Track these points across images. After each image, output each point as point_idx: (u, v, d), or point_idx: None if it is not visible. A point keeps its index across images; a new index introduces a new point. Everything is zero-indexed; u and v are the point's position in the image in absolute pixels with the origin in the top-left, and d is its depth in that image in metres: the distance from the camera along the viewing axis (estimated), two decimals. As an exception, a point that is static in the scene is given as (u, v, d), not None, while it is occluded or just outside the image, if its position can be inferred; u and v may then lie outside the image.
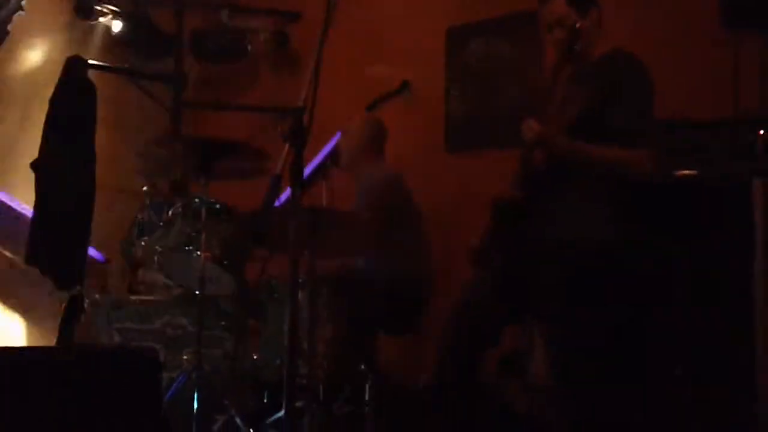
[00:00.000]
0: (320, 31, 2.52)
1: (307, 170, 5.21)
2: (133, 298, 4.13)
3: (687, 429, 3.23)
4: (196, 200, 3.76)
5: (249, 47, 5.42)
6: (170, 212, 3.90)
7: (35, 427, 1.95)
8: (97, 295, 3.97)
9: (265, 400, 3.87)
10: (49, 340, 4.27)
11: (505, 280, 3.06)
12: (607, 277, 2.90)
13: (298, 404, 3.65)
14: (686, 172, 3.43)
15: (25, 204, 4.92)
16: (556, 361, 3.07)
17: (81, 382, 2.11)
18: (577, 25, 2.85)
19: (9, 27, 5.06)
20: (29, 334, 4.86)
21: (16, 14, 5.06)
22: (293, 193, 2.20)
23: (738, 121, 3.45)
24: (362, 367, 3.84)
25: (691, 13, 4.07)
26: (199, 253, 3.64)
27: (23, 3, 5.09)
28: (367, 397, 3.89)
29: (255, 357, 3.90)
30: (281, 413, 3.61)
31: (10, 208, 5.04)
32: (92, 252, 4.94)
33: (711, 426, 3.18)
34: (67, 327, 3.95)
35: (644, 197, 3.17)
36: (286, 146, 2.26)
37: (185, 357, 3.84)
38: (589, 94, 2.85)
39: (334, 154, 4.82)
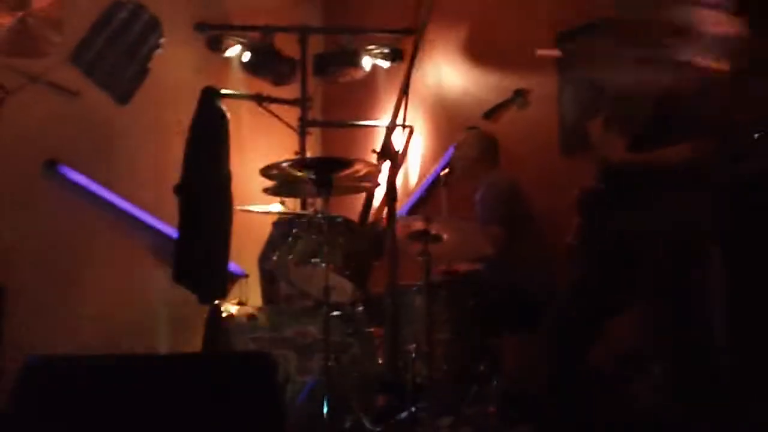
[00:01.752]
0: (411, 50, 2.67)
1: (427, 180, 5.41)
2: (265, 309, 4.42)
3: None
4: (319, 215, 4.01)
5: (367, 66, 5.64)
6: (296, 227, 4.17)
7: (160, 427, 2.21)
8: (234, 308, 4.28)
9: (391, 402, 4.05)
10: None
11: (602, 274, 3.10)
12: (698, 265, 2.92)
13: (422, 405, 3.84)
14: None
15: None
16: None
17: (205, 384, 2.36)
18: None
19: (149, 65, 5.56)
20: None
21: (155, 52, 5.56)
22: (388, 205, 2.37)
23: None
24: (482, 368, 3.96)
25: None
26: (323, 264, 3.88)
27: (161, 41, 5.58)
28: (491, 397, 4.03)
29: (380, 361, 4.10)
30: (405, 413, 3.82)
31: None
32: (233, 267, 5.32)
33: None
34: (210, 337, 4.31)
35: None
36: (381, 163, 2.43)
37: (315, 362, 4.07)
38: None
39: (449, 167, 4.96)
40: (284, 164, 3.90)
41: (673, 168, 2.93)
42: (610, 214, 3.05)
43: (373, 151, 2.46)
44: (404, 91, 2.49)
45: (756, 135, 3.59)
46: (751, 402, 3.16)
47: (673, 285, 2.97)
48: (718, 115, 2.99)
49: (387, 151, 2.36)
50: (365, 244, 3.97)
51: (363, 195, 4.16)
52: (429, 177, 5.41)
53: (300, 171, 3.84)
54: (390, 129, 2.42)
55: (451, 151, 4.74)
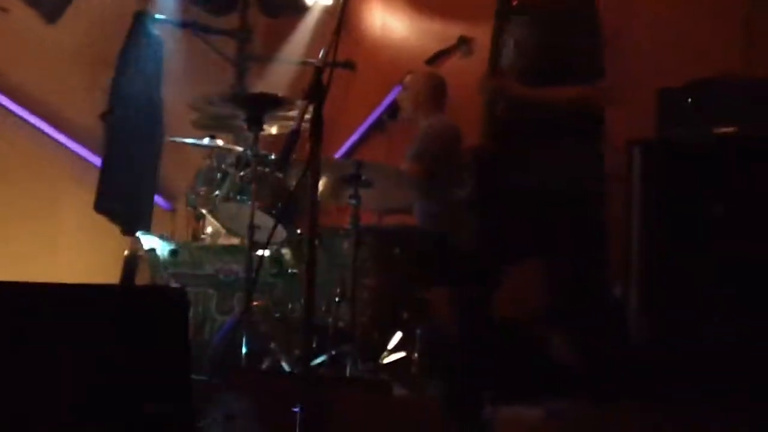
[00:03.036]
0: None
1: (365, 124, 5.32)
2: (188, 244, 4.32)
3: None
4: (248, 151, 3.90)
5: (311, 1, 5.49)
6: (226, 163, 4.06)
7: (64, 356, 2.14)
8: (156, 241, 4.17)
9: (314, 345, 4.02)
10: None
11: (496, 224, 3.14)
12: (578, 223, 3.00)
13: (343, 349, 3.81)
14: (726, 129, 3.42)
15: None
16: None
17: (113, 317, 2.28)
18: None
19: (79, -17, 5.30)
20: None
21: (87, -29, 5.30)
22: (311, 146, 2.29)
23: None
24: (405, 315, 3.94)
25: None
26: (249, 201, 3.79)
27: (95, -41, 5.32)
28: (414, 345, 4.02)
29: (301, 302, 4.04)
30: (324, 357, 3.78)
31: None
32: (158, 200, 5.20)
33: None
34: (128, 270, 4.20)
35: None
36: (306, 102, 2.34)
37: (236, 302, 4.01)
38: (538, 41, 2.91)
39: (392, 108, 4.90)
40: (215, 98, 3.78)
41: (561, 118, 3.00)
42: (501, 171, 3.09)
43: (302, 89, 2.38)
44: (337, 29, 2.39)
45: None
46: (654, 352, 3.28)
47: (570, 238, 3.02)
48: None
49: (316, 90, 2.28)
50: (295, 184, 3.87)
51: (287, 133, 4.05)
52: (367, 120, 5.32)
53: (231, 106, 3.72)
54: (320, 67, 2.33)
55: (397, 91, 4.65)
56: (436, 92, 4.56)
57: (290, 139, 2.41)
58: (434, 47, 5.09)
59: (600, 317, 3.22)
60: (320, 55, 2.35)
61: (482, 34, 4.91)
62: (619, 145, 3.64)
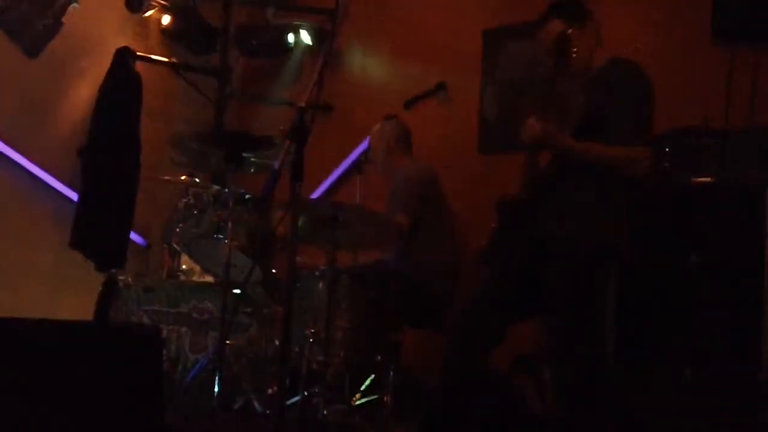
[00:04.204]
0: (331, 33, 2.62)
1: (342, 166, 5.35)
2: (162, 282, 4.30)
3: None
4: (225, 190, 3.91)
5: (292, 43, 5.54)
6: (203, 202, 4.07)
7: (38, 392, 2.12)
8: (129, 278, 4.15)
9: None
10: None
11: (512, 279, 3.13)
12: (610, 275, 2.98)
13: (315, 390, 3.79)
14: (703, 179, 3.48)
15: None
16: (564, 359, 3.13)
17: (87, 354, 2.27)
18: (569, 31, 2.91)
19: (63, 18, 5.32)
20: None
21: (71, 6, 5.32)
22: (292, 187, 2.31)
23: (755, 129, 3.48)
24: (379, 357, 3.93)
25: (686, 27, 4.14)
26: (226, 240, 3.80)
27: (77, -4, 5.34)
28: (386, 388, 4.01)
29: (276, 343, 4.03)
30: (298, 397, 3.76)
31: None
32: (134, 237, 5.16)
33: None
34: (102, 306, 4.16)
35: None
36: (287, 143, 2.37)
37: (210, 341, 3.99)
38: (587, 103, 2.91)
39: (366, 154, 4.91)
40: (193, 136, 3.80)
41: (592, 175, 3.00)
42: (527, 223, 3.09)
43: (281, 129, 2.39)
44: (320, 72, 2.43)
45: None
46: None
47: (579, 294, 3.02)
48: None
49: (297, 132, 2.30)
50: (271, 224, 3.89)
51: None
52: (344, 162, 5.35)
53: (209, 144, 3.74)
54: (302, 109, 2.35)
55: (367, 141, 4.69)
56: (402, 138, 4.59)
57: (271, 179, 2.43)
58: (412, 91, 5.15)
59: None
60: (306, 96, 2.38)
61: (459, 80, 5.06)
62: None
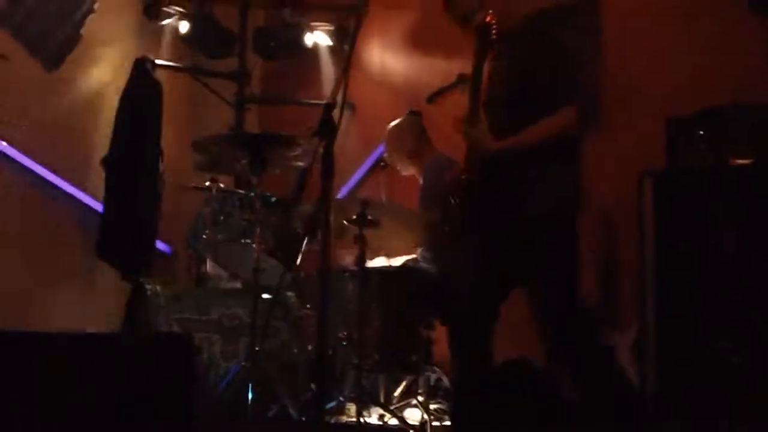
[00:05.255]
0: (356, 27, 2.57)
1: (365, 165, 5.29)
2: (191, 289, 4.26)
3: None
4: (251, 193, 3.86)
5: (309, 43, 5.49)
6: (228, 206, 4.02)
7: (72, 404, 2.08)
8: (158, 287, 4.11)
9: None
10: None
11: (485, 259, 3.11)
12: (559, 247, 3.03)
13: (347, 394, 3.74)
14: (741, 161, 3.37)
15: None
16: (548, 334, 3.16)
17: (121, 364, 2.23)
18: (487, 19, 2.93)
19: (81, 30, 5.30)
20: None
21: (88, 17, 5.30)
22: (323, 185, 2.25)
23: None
24: (414, 358, 3.86)
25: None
26: (254, 244, 3.74)
27: (95, 6, 5.32)
28: (421, 388, 3.95)
29: (309, 347, 3.98)
30: (333, 403, 3.70)
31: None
32: (160, 245, 5.13)
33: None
34: (130, 315, 4.12)
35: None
36: (316, 140, 2.31)
37: (241, 347, 3.94)
38: (512, 72, 3.01)
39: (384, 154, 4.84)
40: (217, 139, 3.75)
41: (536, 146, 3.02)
42: (481, 201, 3.08)
43: (309, 127, 2.35)
44: (345, 68, 2.38)
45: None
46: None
47: (552, 263, 2.99)
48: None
49: (325, 129, 2.25)
50: (298, 225, 3.83)
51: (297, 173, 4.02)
52: (369, 159, 5.29)
53: (233, 147, 3.69)
54: (329, 106, 2.30)
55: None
56: (416, 134, 4.51)
57: (302, 177, 2.37)
58: (434, 85, 5.08)
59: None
60: (331, 94, 2.32)
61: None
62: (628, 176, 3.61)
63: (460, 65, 5.03)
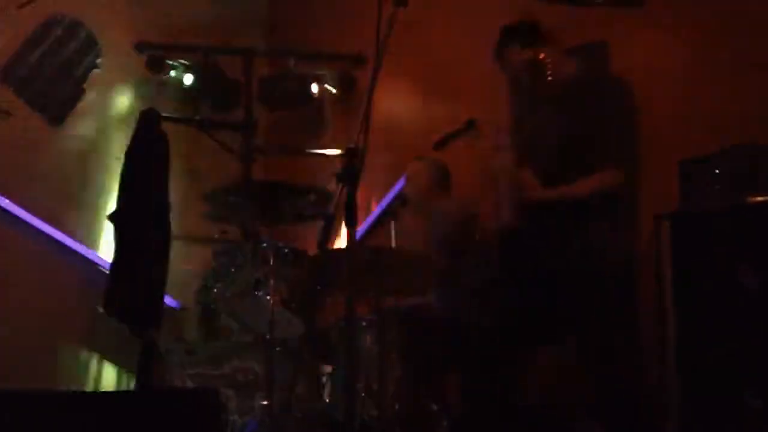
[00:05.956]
0: (371, 74, 2.56)
1: (376, 211, 5.24)
2: (203, 343, 4.18)
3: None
4: (264, 244, 3.80)
5: (315, 92, 5.49)
6: (239, 258, 3.95)
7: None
8: (170, 341, 4.03)
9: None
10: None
11: (522, 308, 3.03)
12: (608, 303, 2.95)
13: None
14: (761, 198, 3.32)
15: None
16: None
17: (147, 424, 2.14)
18: (541, 56, 2.88)
19: (84, 85, 5.29)
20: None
21: (91, 72, 5.29)
22: (348, 232, 2.20)
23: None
24: (434, 407, 3.78)
25: (747, 40, 3.99)
26: (268, 297, 3.67)
27: (98, 61, 5.32)
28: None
29: (327, 400, 3.88)
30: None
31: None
32: (168, 300, 5.05)
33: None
34: (143, 372, 4.02)
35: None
36: (340, 187, 2.27)
37: (257, 402, 3.84)
38: (561, 125, 2.86)
39: (401, 196, 4.82)
40: (229, 189, 3.70)
41: (585, 199, 2.98)
42: (528, 250, 3.00)
43: (333, 173, 2.31)
44: (366, 113, 2.35)
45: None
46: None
47: (597, 317, 2.92)
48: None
49: (348, 174, 2.20)
50: (313, 275, 3.76)
51: (309, 223, 3.98)
52: (377, 207, 5.24)
53: (245, 197, 3.64)
54: (352, 150, 2.26)
55: (402, 182, 4.58)
56: (439, 176, 4.49)
57: (327, 223, 2.32)
58: (442, 130, 5.05)
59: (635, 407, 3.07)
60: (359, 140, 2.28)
61: (490, 115, 4.95)
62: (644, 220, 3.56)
63: (467, 111, 5.02)
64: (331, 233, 2.43)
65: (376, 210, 5.25)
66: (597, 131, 2.96)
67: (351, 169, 2.25)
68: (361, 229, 5.34)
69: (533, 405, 3.51)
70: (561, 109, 3.03)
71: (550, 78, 2.91)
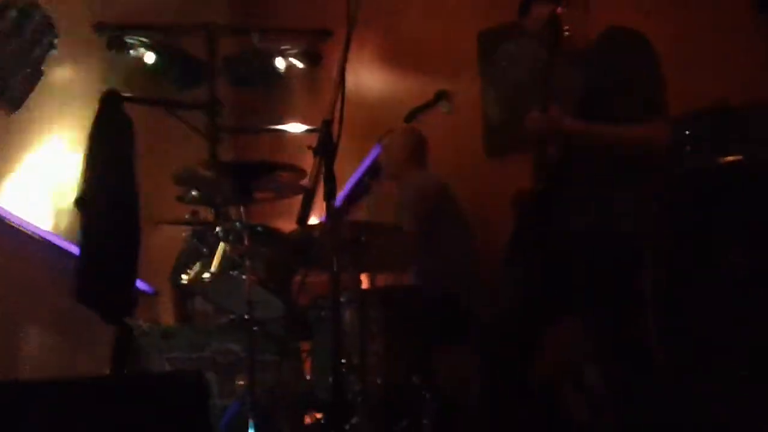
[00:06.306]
0: (343, 45, 2.50)
1: (348, 185, 5.19)
2: (181, 327, 4.11)
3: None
4: (237, 224, 3.73)
5: (281, 68, 5.40)
6: (212, 239, 3.88)
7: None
8: (146, 326, 3.96)
9: (321, 421, 3.81)
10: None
11: (539, 280, 2.95)
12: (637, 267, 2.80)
13: (354, 422, 3.60)
14: (731, 158, 3.32)
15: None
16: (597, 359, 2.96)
17: (130, 409, 2.09)
18: (557, 11, 2.77)
19: (43, 66, 5.15)
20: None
21: (49, 54, 5.15)
22: (327, 206, 2.15)
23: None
24: (414, 380, 3.76)
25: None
26: (244, 277, 3.61)
27: (55, 42, 5.18)
28: (424, 411, 3.83)
29: (308, 378, 3.85)
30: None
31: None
32: (141, 285, 4.97)
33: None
34: (118, 358, 3.96)
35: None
36: (317, 160, 2.21)
37: (238, 383, 3.79)
38: (586, 82, 2.77)
39: (374, 168, 4.78)
40: (200, 169, 3.62)
41: (615, 163, 2.83)
42: (548, 217, 2.92)
43: (309, 147, 2.25)
44: (341, 83, 2.29)
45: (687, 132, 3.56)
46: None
47: (614, 291, 2.84)
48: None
49: (325, 147, 2.15)
50: (290, 253, 3.70)
51: (284, 201, 3.92)
52: (349, 181, 5.19)
53: (218, 176, 3.56)
54: (327, 122, 2.20)
55: (377, 151, 4.53)
56: (416, 148, 4.45)
57: (307, 198, 2.26)
58: (413, 104, 5.00)
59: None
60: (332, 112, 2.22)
61: (460, 86, 4.91)
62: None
63: (438, 82, 4.98)
64: (311, 207, 2.36)
65: (347, 184, 5.20)
66: (622, 88, 2.76)
67: (328, 141, 2.19)
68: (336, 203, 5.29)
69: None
70: (582, 63, 2.88)
71: (567, 33, 2.78)
